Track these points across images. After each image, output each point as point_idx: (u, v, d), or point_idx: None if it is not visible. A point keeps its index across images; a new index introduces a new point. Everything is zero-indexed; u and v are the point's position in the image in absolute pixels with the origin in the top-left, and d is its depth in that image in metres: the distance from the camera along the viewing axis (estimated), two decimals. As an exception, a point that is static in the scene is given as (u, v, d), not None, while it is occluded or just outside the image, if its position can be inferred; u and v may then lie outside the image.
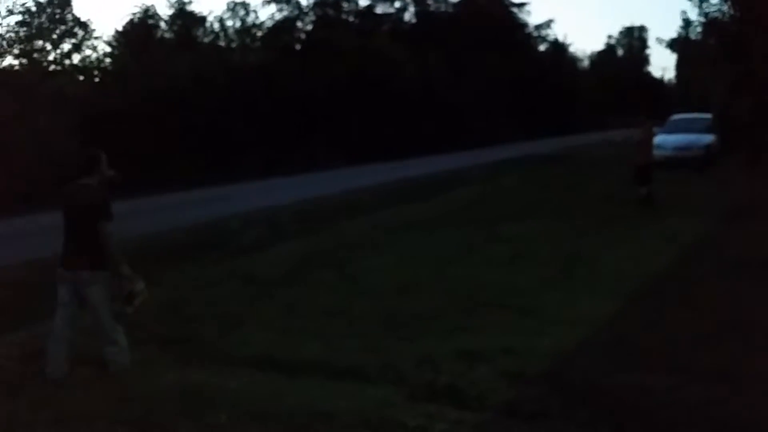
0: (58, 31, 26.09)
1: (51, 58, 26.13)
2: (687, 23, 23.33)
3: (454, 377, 4.83)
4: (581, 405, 4.44)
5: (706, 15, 21.08)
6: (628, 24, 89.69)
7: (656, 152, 14.38)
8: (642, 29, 77.86)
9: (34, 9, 25.17)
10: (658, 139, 16.37)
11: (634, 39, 77.39)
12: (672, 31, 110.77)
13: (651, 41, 79.43)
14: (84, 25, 26.65)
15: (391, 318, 6.35)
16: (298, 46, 36.38)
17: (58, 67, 26.01)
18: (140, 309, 5.18)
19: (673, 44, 30.16)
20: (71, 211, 5.11)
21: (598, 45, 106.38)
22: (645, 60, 78.13)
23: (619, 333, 5.80)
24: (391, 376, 4.92)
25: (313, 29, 38.36)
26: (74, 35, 26.58)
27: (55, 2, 25.97)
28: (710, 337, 5.60)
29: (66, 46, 26.44)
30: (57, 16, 25.99)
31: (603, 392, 4.58)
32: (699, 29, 22.85)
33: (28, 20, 24.97)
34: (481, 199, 15.34)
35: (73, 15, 26.50)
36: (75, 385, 4.91)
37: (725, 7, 20.44)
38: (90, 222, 4.97)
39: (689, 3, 33.76)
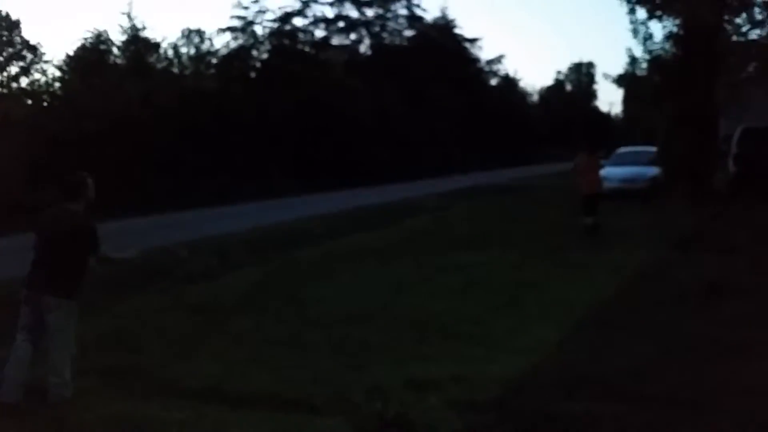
0: (5, 54, 25.57)
1: (-3, 80, 25.56)
2: (633, 60, 24.14)
3: (404, 407, 4.79)
4: (530, 433, 4.45)
5: (650, 53, 21.91)
6: (576, 60, 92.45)
7: (603, 184, 14.73)
8: (590, 65, 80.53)
9: (-20, 31, 24.67)
10: (605, 171, 16.81)
11: (582, 75, 79.77)
12: (619, 67, 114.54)
13: (598, 77, 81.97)
14: (33, 49, 26.20)
15: (342, 347, 6.29)
16: (253, 74, 36.35)
17: (5, 90, 25.42)
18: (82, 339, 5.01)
19: (619, 80, 31.08)
20: (49, 235, 4.97)
21: (548, 80, 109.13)
22: (593, 95, 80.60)
23: (567, 361, 5.86)
24: (340, 407, 4.86)
25: (268, 58, 38.42)
26: (23, 58, 26.08)
27: (3, 24, 25.49)
28: (657, 363, 5.71)
29: (14, 69, 25.95)
30: (4, 39, 25.50)
31: (553, 420, 4.60)
32: (644, 66, 23.65)
33: (-26, 42, 24.44)
34: (432, 229, 15.43)
35: (21, 38, 26.08)
36: (17, 412, 4.74)
37: (667, 46, 21.31)
38: (69, 249, 4.89)
39: (634, 41, 35.02)
